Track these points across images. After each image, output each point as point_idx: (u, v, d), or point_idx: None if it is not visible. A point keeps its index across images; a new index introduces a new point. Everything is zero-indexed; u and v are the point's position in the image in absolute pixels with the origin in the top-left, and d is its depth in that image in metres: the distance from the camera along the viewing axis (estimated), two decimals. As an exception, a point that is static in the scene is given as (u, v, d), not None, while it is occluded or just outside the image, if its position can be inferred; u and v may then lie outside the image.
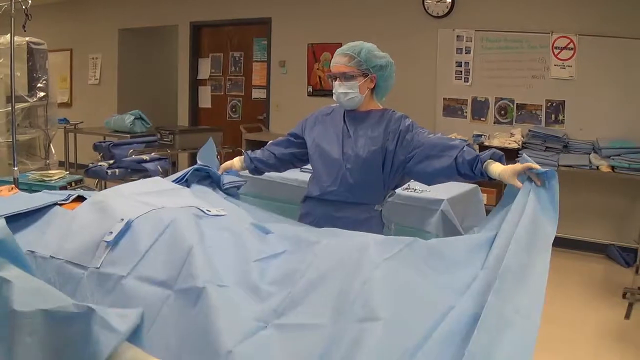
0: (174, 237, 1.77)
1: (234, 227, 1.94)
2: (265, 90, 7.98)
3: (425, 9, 6.62)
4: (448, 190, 3.46)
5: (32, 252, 1.97)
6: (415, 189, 3.52)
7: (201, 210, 2.00)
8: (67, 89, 10.01)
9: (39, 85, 5.90)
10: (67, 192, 2.40)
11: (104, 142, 5.92)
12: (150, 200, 2.10)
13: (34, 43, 5.81)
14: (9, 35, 5.29)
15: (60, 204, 2.24)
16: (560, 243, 5.82)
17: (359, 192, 2.58)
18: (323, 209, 2.63)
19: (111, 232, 1.82)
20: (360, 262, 1.60)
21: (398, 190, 3.29)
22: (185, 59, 8.63)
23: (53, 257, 1.88)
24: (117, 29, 9.18)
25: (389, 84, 2.69)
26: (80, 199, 2.32)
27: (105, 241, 1.80)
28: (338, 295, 1.53)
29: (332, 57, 2.67)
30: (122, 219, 1.86)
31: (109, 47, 9.29)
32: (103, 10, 9.35)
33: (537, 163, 2.17)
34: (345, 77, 2.57)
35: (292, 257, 1.79)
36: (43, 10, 9.56)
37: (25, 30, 4.54)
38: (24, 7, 4.40)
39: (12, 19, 4.35)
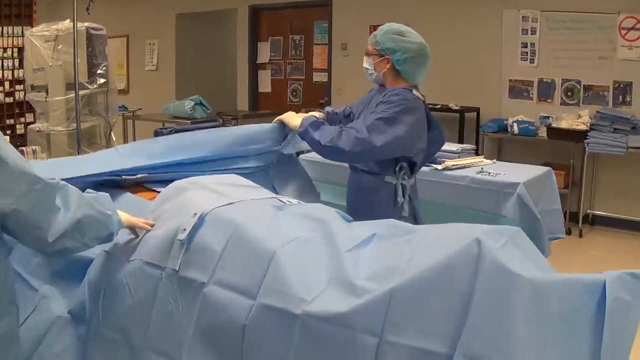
0: (253, 237, 1.89)
1: (318, 214, 2.07)
2: (326, 73, 8.94)
3: (485, -14, 7.41)
4: (523, 174, 3.91)
5: (107, 253, 2.19)
6: (490, 172, 3.94)
7: (281, 201, 2.21)
8: (124, 75, 11.21)
9: (99, 71, 6.53)
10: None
11: (165, 128, 6.79)
12: (227, 191, 2.26)
13: (93, 29, 6.46)
14: (67, 20, 6.18)
15: (125, 179, 2.62)
16: (632, 226, 6.56)
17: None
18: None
19: (184, 229, 1.97)
20: (473, 261, 1.55)
21: (472, 174, 3.92)
22: (244, 43, 9.69)
23: (130, 260, 2.10)
24: (174, 14, 10.36)
25: (406, 69, 3.10)
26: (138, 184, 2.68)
27: (179, 239, 1.96)
28: (451, 309, 1.53)
29: None
30: (195, 214, 2.00)
31: (166, 33, 10.48)
32: (160, -6, 10.57)
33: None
34: (367, 53, 3.17)
35: (385, 245, 1.82)
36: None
37: (89, 14, 5.28)
38: None
39: (75, 2, 5.01)
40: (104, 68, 6.63)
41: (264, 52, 9.61)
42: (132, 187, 2.69)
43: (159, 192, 2.55)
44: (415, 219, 3.21)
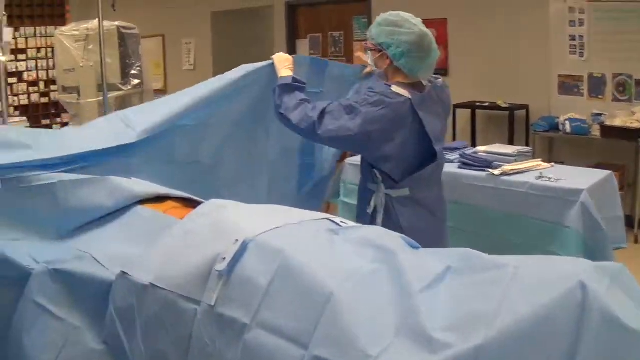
0: (306, 271, 1.74)
1: (380, 240, 1.91)
2: None
3: (532, -21, 7.79)
4: (584, 179, 3.95)
5: (126, 274, 2.09)
6: (550, 178, 3.96)
7: (334, 223, 2.07)
8: (162, 75, 11.98)
9: (132, 72, 7.07)
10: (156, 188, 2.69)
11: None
12: (273, 212, 2.20)
13: (124, 27, 7.01)
14: (97, 20, 6.42)
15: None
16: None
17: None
18: None
19: (224, 258, 1.85)
20: (578, 312, 1.43)
21: (531, 180, 3.97)
22: (282, 40, 10.32)
23: (155, 285, 1.97)
24: (209, 12, 11.12)
25: (405, 64, 3.09)
26: (166, 198, 2.65)
27: (217, 270, 1.83)
28: None
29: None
30: (237, 240, 1.88)
31: (202, 31, 11.26)
32: (195, -7, 11.30)
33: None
34: (366, 48, 3.27)
35: (464, 284, 1.67)
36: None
37: (115, 10, 5.63)
38: None
39: (100, 0, 5.34)
40: (138, 68, 7.19)
41: (303, 50, 10.21)
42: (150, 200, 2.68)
43: (180, 199, 2.67)
44: None
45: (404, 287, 1.66)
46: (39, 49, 12.62)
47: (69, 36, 6.97)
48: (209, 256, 1.92)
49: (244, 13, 10.91)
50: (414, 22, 3.11)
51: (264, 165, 3.64)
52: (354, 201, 3.65)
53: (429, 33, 3.11)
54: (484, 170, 4.20)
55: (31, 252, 2.38)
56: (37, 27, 12.76)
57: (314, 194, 3.93)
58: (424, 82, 3.22)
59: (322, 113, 3.03)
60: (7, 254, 2.35)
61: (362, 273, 1.74)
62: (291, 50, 10.19)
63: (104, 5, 5.62)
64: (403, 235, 2.03)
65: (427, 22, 3.15)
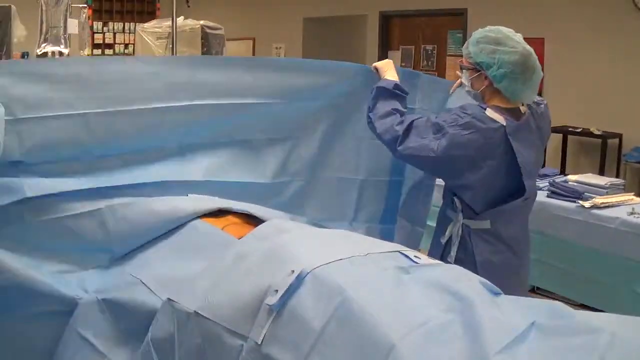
0: (366, 316, 1.62)
1: (456, 285, 1.79)
2: None
3: (634, 2, 7.92)
4: None
5: (172, 301, 2.01)
6: None
7: (406, 257, 1.98)
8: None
9: None
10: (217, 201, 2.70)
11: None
12: (337, 240, 2.11)
13: (209, 27, 7.02)
14: (181, 18, 6.80)
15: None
16: None
17: None
18: None
19: (276, 291, 1.76)
20: None
21: (623, 215, 3.92)
22: (374, 51, 10.69)
23: (199, 314, 1.90)
24: (301, 18, 11.60)
25: (506, 86, 2.91)
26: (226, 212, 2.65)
27: (268, 304, 1.75)
28: None
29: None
30: (293, 271, 1.80)
31: (293, 37, 11.74)
32: (288, -2, 11.79)
33: None
34: (461, 66, 3.09)
35: (552, 347, 1.54)
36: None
37: (189, 6, 5.88)
38: None
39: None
40: None
41: (395, 62, 10.41)
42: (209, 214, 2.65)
43: (238, 213, 2.68)
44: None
45: (479, 346, 1.52)
46: (126, 45, 13.20)
47: (150, 33, 7.06)
48: (261, 287, 1.83)
49: (337, 20, 11.35)
50: (517, 40, 2.90)
51: (353, 182, 3.53)
52: (435, 224, 3.47)
53: (533, 52, 2.91)
54: (573, 201, 4.17)
55: (81, 281, 2.44)
56: (126, 23, 13.35)
57: (408, 216, 3.71)
58: (522, 109, 3.02)
59: (408, 127, 2.91)
60: (54, 287, 2.37)
61: (432, 325, 1.60)
62: (382, 61, 10.54)
63: (193, 5, 5.95)
64: (483, 279, 1.91)
65: (525, 41, 2.92)
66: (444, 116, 2.93)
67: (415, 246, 3.50)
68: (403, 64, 10.45)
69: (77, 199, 2.54)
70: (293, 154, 3.26)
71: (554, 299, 4.50)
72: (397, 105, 3.04)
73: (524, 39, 2.94)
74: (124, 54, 13.18)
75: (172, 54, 5.42)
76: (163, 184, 2.78)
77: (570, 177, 4.60)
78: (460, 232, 3.07)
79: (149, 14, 13.49)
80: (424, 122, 2.93)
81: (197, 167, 2.94)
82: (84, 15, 8.56)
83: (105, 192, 2.61)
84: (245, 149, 3.13)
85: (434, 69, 10.16)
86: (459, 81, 3.35)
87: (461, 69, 3.06)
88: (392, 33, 10.71)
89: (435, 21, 10.13)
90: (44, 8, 4.60)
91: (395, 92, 3.07)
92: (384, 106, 3.03)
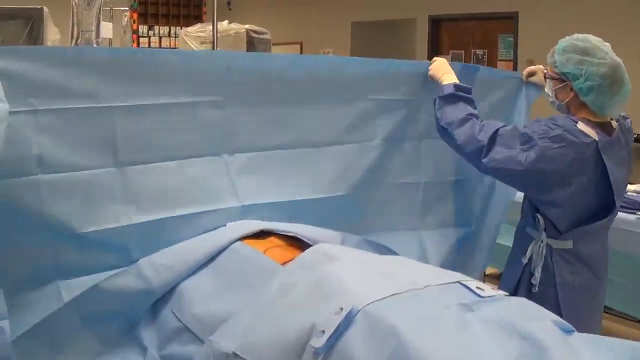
0: None
1: (525, 326, 1.64)
2: None
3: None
4: None
5: (211, 341, 1.97)
6: None
7: (468, 289, 1.87)
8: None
9: None
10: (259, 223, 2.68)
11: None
12: (391, 269, 2.02)
13: (255, 32, 6.95)
14: (225, 22, 6.82)
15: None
16: None
17: None
18: None
19: (323, 331, 1.66)
20: None
21: None
22: (423, 55, 10.82)
23: (238, 355, 1.84)
24: (349, 22, 11.83)
25: (593, 100, 2.84)
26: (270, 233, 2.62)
27: (314, 347, 1.65)
28: None
29: None
30: (341, 309, 1.69)
31: (341, 41, 11.96)
32: (336, 3, 12.05)
33: None
34: (545, 75, 3.05)
35: None
36: (271, 1, 12.44)
37: (230, 9, 5.87)
38: None
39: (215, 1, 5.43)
40: None
41: (445, 66, 10.69)
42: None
43: (282, 234, 2.63)
44: (556, 303, 2.93)
45: None
46: (172, 49, 13.43)
47: (194, 37, 6.97)
48: (306, 325, 1.72)
49: (385, 25, 11.57)
50: (605, 50, 2.83)
51: (416, 186, 3.41)
52: (507, 242, 3.36)
53: (621, 63, 2.84)
54: (633, 213, 4.07)
55: (136, 339, 2.47)
56: (172, 27, 13.65)
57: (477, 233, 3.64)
58: (613, 123, 2.96)
59: (493, 137, 2.83)
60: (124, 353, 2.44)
61: None
62: (431, 66, 10.71)
63: (238, 9, 6.08)
64: (555, 317, 1.79)
65: None
66: (533, 126, 2.85)
67: (489, 252, 3.62)
68: (453, 69, 10.61)
69: (109, 256, 2.53)
70: (350, 162, 3.16)
71: (624, 318, 4.56)
72: (468, 109, 2.97)
73: (576, 41, 2.97)
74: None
75: None
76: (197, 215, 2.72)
77: (630, 187, 4.31)
78: (543, 252, 2.97)
79: (195, 18, 13.74)
80: (510, 131, 2.85)
81: (242, 183, 2.85)
82: (126, 19, 8.59)
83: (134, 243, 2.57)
84: (296, 159, 3.01)
85: (485, 74, 10.29)
86: (527, 70, 3.49)
87: (545, 78, 3.03)
88: (441, 37, 10.89)
89: (485, 25, 10.27)
90: (75, 10, 4.54)
91: (461, 96, 3.01)
92: (455, 113, 2.95)
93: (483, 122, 2.91)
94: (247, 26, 6.87)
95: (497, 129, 2.84)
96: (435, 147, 3.29)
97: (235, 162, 2.84)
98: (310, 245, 2.40)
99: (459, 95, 3.00)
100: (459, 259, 3.52)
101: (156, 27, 13.66)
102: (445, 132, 2.98)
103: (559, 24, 8.86)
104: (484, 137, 2.83)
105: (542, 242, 2.97)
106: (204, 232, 2.68)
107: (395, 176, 3.33)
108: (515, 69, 9.65)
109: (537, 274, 2.97)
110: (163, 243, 2.59)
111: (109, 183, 2.51)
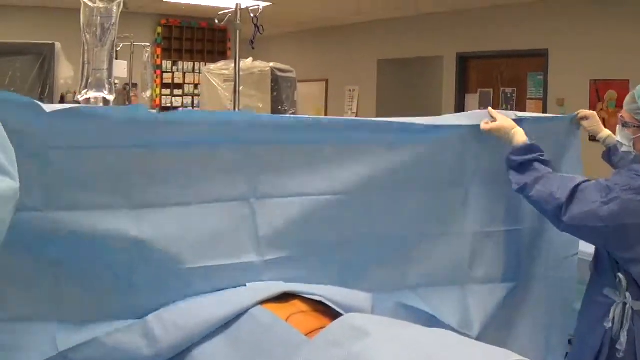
0: None
1: None
2: None
3: None
4: None
5: None
6: None
7: None
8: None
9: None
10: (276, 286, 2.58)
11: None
12: (431, 347, 1.88)
13: (279, 70, 6.99)
14: (250, 59, 6.80)
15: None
16: None
17: None
18: None
19: None
20: None
21: None
22: (451, 93, 11.09)
23: None
24: (376, 59, 12.11)
25: None
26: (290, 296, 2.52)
27: None
28: None
29: (616, 97, 3.43)
30: None
31: (367, 79, 12.25)
32: (362, 39, 12.37)
33: None
34: (622, 122, 2.95)
35: None
36: (296, 38, 12.89)
37: (253, 48, 5.56)
38: (252, 15, 5.31)
39: (237, 31, 5.39)
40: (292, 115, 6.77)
41: (472, 106, 10.84)
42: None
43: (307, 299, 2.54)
44: None
45: None
46: (196, 85, 13.73)
47: (217, 74, 6.98)
48: None
49: (412, 62, 11.80)
50: None
51: (463, 237, 3.29)
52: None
53: None
54: None
55: None
56: (196, 62, 13.93)
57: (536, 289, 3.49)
58: None
59: (572, 193, 2.76)
60: None
61: None
62: (459, 105, 10.96)
63: (263, 45, 6.02)
64: None
65: (609, 83, 2.73)
66: (614, 178, 2.77)
67: (562, 313, 3.43)
68: (481, 108, 10.59)
69: (114, 313, 2.49)
70: (388, 210, 3.07)
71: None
72: (543, 167, 2.93)
73: (608, 81, 2.89)
74: (193, 94, 13.73)
75: (235, 97, 5.48)
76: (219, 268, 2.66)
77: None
78: (630, 315, 2.85)
79: (220, 54, 14.02)
80: (590, 185, 2.77)
81: (268, 238, 2.78)
82: (147, 55, 8.91)
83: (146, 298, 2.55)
84: (324, 205, 2.92)
85: (514, 112, 10.42)
86: (582, 114, 3.34)
87: (622, 125, 2.93)
88: (469, 75, 11.07)
89: (514, 62, 10.40)
90: (85, 47, 4.35)
91: (535, 157, 2.96)
92: (530, 173, 2.91)
93: (561, 179, 2.86)
94: (271, 64, 6.89)
95: (577, 185, 2.77)
96: (485, 193, 3.27)
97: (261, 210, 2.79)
98: (338, 312, 2.34)
99: (533, 156, 2.96)
100: (505, 317, 3.38)
101: (180, 63, 13.92)
102: (522, 192, 2.95)
103: (590, 62, 9.13)
104: (562, 195, 2.77)
105: (627, 303, 2.86)
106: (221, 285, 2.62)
107: (440, 225, 3.23)
108: (544, 107, 9.85)
109: (623, 339, 2.84)
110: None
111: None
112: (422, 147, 3.11)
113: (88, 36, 4.30)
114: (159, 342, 2.35)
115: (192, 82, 13.88)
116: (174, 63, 13.84)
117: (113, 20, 4.32)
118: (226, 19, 5.50)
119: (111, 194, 2.48)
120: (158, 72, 13.36)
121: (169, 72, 13.81)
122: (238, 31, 5.35)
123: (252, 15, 5.26)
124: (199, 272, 2.59)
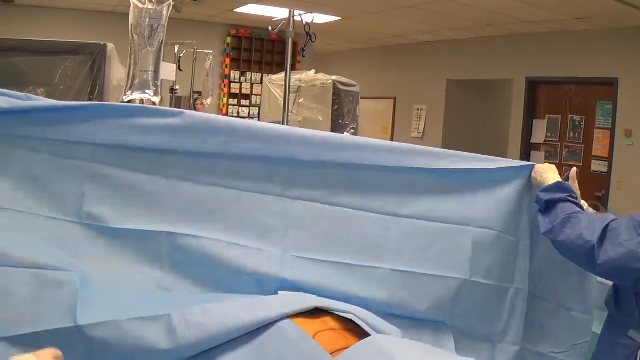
0: None
1: None
2: (606, 163, 10.22)
3: None
4: None
5: None
6: None
7: None
8: (388, 139, 13.30)
9: (344, 133, 6.67)
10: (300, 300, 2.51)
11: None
12: None
13: (342, 83, 7.19)
14: (312, 71, 7.15)
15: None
16: None
17: None
18: None
19: None
20: None
21: None
22: (518, 118, 11.43)
23: None
24: (445, 80, 12.52)
25: None
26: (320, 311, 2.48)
27: None
28: None
29: None
30: None
31: (436, 98, 12.66)
32: (432, 59, 12.82)
33: None
34: None
35: None
36: (365, 54, 13.37)
37: (304, 56, 6.02)
38: (304, 22, 5.51)
39: (289, 40, 5.55)
40: (352, 131, 7.18)
41: (540, 132, 11.22)
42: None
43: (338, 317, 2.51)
44: None
45: None
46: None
47: (278, 85, 7.16)
48: None
49: (481, 84, 12.22)
50: None
51: (505, 291, 3.16)
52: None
53: None
54: None
55: None
56: (265, 74, 14.33)
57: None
58: None
59: (604, 233, 2.64)
60: None
61: None
62: (527, 130, 11.30)
63: (331, 60, 5.90)
64: None
65: None
66: (637, 216, 2.66)
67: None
68: (548, 134, 11.14)
69: (139, 300, 2.59)
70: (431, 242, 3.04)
71: None
72: (571, 207, 2.84)
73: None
74: (259, 105, 14.17)
75: (285, 108, 5.63)
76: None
77: None
78: None
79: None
80: (623, 222, 2.65)
81: (295, 238, 2.87)
82: (209, 62, 9.25)
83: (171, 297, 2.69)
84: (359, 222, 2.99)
85: (581, 141, 10.68)
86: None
87: None
88: (538, 100, 11.35)
89: (584, 90, 10.63)
90: (133, 48, 4.44)
91: (562, 198, 2.89)
92: (556, 212, 2.85)
93: (590, 219, 2.75)
94: (334, 77, 7.05)
95: (608, 224, 2.66)
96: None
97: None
98: (367, 333, 2.34)
99: (563, 196, 2.91)
100: None
101: (248, 73, 14.27)
102: (549, 235, 2.85)
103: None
104: (592, 236, 2.64)
105: None
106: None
107: (488, 275, 3.09)
108: (612, 137, 10.08)
109: None
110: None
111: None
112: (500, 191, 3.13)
113: (136, 37, 4.48)
114: (179, 339, 2.35)
115: (259, 93, 14.24)
116: (242, 74, 14.17)
117: (162, 22, 4.47)
118: (278, 27, 5.64)
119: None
120: (226, 81, 13.75)
121: (236, 82, 14.16)
122: (290, 39, 5.51)
123: (304, 22, 5.39)
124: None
